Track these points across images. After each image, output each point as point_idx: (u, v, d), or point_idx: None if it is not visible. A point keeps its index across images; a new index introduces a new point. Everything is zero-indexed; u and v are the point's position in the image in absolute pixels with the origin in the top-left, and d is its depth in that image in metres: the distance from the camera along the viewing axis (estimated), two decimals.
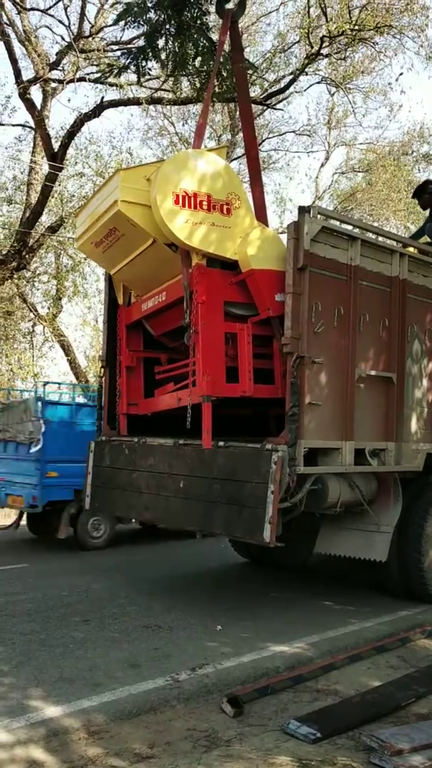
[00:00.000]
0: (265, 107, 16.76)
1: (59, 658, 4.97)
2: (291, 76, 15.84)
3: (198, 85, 8.32)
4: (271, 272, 5.90)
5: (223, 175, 5.96)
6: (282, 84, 16.20)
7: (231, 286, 6.05)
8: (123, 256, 6.52)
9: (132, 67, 7.39)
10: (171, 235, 5.74)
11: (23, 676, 4.59)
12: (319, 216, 5.64)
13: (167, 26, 7.01)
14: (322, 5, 13.63)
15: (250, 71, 14.22)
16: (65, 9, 14.12)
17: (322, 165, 27.33)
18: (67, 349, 18.05)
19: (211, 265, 5.96)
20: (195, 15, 7.07)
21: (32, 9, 13.85)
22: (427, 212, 8.17)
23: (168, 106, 17.77)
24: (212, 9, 7.43)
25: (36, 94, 14.14)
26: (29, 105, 13.66)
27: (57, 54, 14.13)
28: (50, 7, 14.08)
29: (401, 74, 24.76)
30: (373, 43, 14.73)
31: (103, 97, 14.15)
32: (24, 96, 13.37)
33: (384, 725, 4.01)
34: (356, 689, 4.56)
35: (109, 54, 13.80)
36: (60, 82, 14.20)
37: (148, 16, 7.09)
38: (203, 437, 5.82)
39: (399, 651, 5.40)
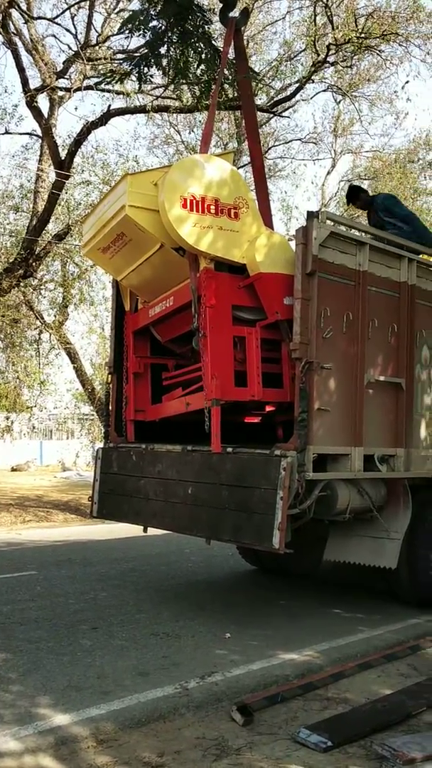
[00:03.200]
0: (272, 115, 16.79)
1: (67, 665, 4.95)
2: (297, 84, 15.86)
3: (198, 93, 8.33)
4: (279, 276, 5.89)
5: (230, 180, 5.96)
6: (288, 92, 16.22)
7: (239, 290, 6.04)
8: (130, 261, 6.52)
9: (134, 73, 7.41)
10: (179, 239, 5.74)
11: (31, 684, 4.57)
12: (327, 221, 5.64)
13: (170, 34, 7.02)
14: (329, 13, 13.66)
15: (254, 80, 14.37)
16: (72, 18, 14.12)
17: (329, 173, 27.30)
18: (73, 356, 18.04)
19: (219, 269, 5.95)
20: (198, 23, 7.09)
21: (39, 18, 13.92)
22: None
23: (174, 115, 17.82)
24: (215, 18, 7.47)
25: (43, 102, 14.21)
26: (36, 113, 13.71)
27: (64, 63, 14.17)
28: (57, 16, 14.07)
29: (407, 82, 24.78)
30: (379, 51, 14.76)
31: (109, 105, 14.18)
32: (31, 104, 13.42)
33: (395, 734, 3.98)
34: (366, 697, 4.52)
35: (115, 62, 13.86)
36: (67, 90, 14.24)
37: (151, 24, 7.12)
38: (212, 441, 5.79)
39: (409, 659, 5.35)
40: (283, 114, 16.84)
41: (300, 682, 4.73)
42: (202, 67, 7.43)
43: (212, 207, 5.79)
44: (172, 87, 11.68)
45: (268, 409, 6.73)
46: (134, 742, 3.83)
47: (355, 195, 7.96)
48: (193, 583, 8.02)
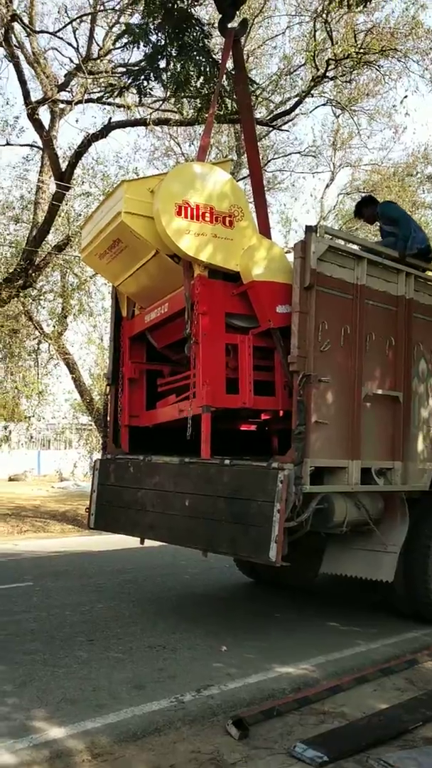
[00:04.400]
0: (271, 128, 16.91)
1: (63, 678, 4.93)
2: (297, 98, 16.01)
3: (199, 105, 8.40)
4: (272, 284, 5.92)
5: (226, 188, 6.00)
6: (288, 106, 16.37)
7: (232, 298, 6.07)
8: (126, 267, 6.57)
9: (134, 87, 7.48)
10: (173, 246, 5.77)
11: (27, 697, 4.55)
12: (325, 235, 5.67)
13: (169, 48, 7.10)
14: (328, 29, 13.80)
15: (254, 93, 14.47)
16: (74, 31, 14.25)
17: (327, 186, 27.44)
18: (72, 366, 18.10)
19: (213, 276, 5.98)
20: (197, 36, 7.16)
21: (42, 32, 14.06)
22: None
23: (174, 127, 17.94)
24: (215, 31, 7.55)
25: (44, 114, 14.33)
26: (37, 125, 13.83)
27: (65, 76, 14.30)
28: (59, 30, 14.17)
29: (406, 96, 24.87)
30: (378, 66, 14.90)
31: (110, 118, 14.31)
32: (32, 117, 13.53)
33: (391, 749, 3.97)
34: (363, 712, 4.50)
35: (116, 75, 13.96)
36: (68, 103, 14.37)
37: (149, 38, 7.19)
38: (202, 448, 5.83)
39: (406, 673, 5.33)
40: (282, 128, 16.96)
41: (296, 696, 4.71)
42: (201, 79, 7.48)
43: (207, 215, 5.82)
44: (172, 100, 11.77)
45: (264, 417, 6.75)
46: (129, 755, 3.82)
47: (359, 211, 7.97)
48: (189, 596, 8.00)
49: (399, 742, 4.09)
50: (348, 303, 5.85)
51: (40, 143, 14.56)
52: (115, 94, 9.16)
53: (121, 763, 3.72)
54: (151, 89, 7.77)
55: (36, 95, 13.95)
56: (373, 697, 4.80)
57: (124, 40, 7.17)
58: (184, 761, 3.76)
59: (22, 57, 13.49)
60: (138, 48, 7.15)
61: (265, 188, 20.89)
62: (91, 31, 13.98)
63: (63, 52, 16.31)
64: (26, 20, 13.51)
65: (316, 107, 17.60)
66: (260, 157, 8.38)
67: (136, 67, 7.98)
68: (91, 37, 13.99)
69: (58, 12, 14.98)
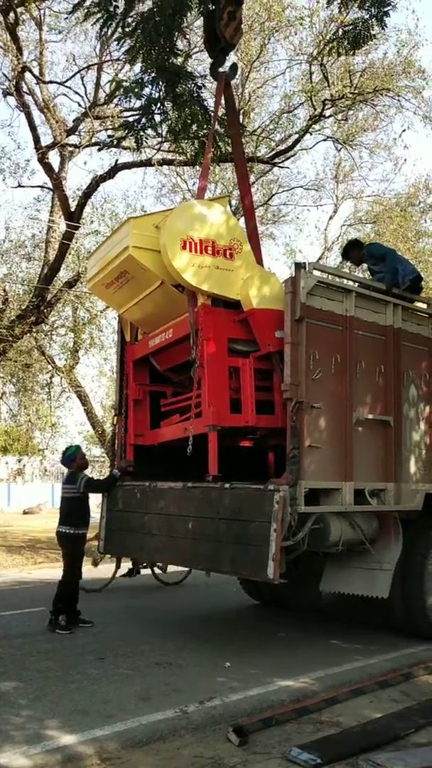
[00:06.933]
0: (272, 166, 17.44)
1: (74, 692, 5.21)
2: (297, 135, 16.54)
3: (196, 149, 8.90)
4: (271, 311, 6.34)
5: (226, 223, 6.48)
6: (289, 143, 16.89)
7: (234, 324, 6.50)
8: (131, 296, 7.04)
9: (131, 136, 7.97)
10: (179, 278, 6.21)
11: (40, 709, 4.84)
12: (314, 271, 6.06)
13: (163, 100, 7.57)
14: (324, 71, 14.37)
15: (254, 133, 15.02)
16: (81, 78, 14.93)
17: (331, 217, 27.83)
18: (83, 399, 18.44)
19: (216, 304, 6.43)
20: (191, 87, 7.65)
21: (51, 82, 14.73)
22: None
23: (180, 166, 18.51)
24: (207, 82, 8.06)
25: (54, 157, 14.94)
26: (47, 168, 14.41)
27: (74, 121, 14.96)
28: (68, 80, 14.91)
29: (404, 131, 25.59)
30: (373, 103, 15.43)
31: (117, 160, 14.90)
32: (42, 160, 14.12)
33: (383, 753, 4.19)
34: (358, 721, 4.72)
35: (122, 119, 14.54)
36: (76, 146, 14.99)
37: (142, 91, 7.69)
38: (209, 465, 6.18)
39: (402, 686, 5.54)
40: (285, 164, 17.48)
41: (294, 706, 4.94)
42: (195, 127, 7.95)
43: (209, 248, 6.28)
44: (173, 143, 12.32)
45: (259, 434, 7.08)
46: (135, 760, 4.09)
47: (346, 254, 8.31)
48: (196, 617, 8.25)
49: (391, 747, 4.30)
50: (338, 333, 6.21)
51: (50, 185, 15.14)
52: (114, 144, 9.70)
53: (128, 766, 4.00)
54: (147, 138, 8.25)
55: (46, 139, 14.61)
56: (369, 708, 5.02)
57: (117, 95, 7.67)
58: (187, 765, 4.02)
59: (32, 103, 14.17)
60: (129, 101, 7.61)
61: (270, 221, 21.41)
62: (98, 78, 14.68)
63: (71, 98, 16.98)
64: (36, 70, 14.20)
65: (316, 143, 18.11)
66: (253, 191, 8.81)
67: (132, 118, 8.46)
68: (97, 84, 14.67)
69: (67, 60, 15.52)
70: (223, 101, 7.47)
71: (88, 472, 7.77)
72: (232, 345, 6.50)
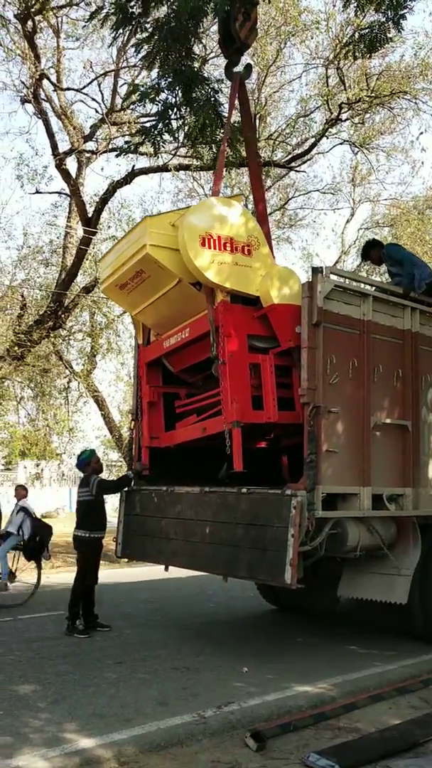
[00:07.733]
0: (289, 170, 17.42)
1: (92, 696, 5.24)
2: (313, 139, 16.51)
3: (214, 153, 8.92)
4: (290, 307, 6.28)
5: (244, 220, 6.44)
6: (306, 146, 16.87)
7: (253, 321, 6.45)
8: (146, 296, 7.00)
9: (148, 141, 7.98)
10: (198, 275, 6.18)
11: (58, 713, 4.87)
12: (331, 276, 6.05)
13: (180, 105, 7.59)
14: (340, 74, 14.35)
15: (271, 137, 15.03)
16: (99, 85, 15.01)
17: (348, 221, 27.89)
18: (101, 404, 18.50)
19: (234, 301, 6.39)
20: (207, 93, 7.66)
21: (68, 89, 14.83)
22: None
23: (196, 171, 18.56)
24: (223, 86, 8.06)
25: (71, 164, 15.03)
26: (65, 174, 14.50)
27: (91, 127, 15.04)
28: (85, 87, 14.98)
29: (421, 133, 25.54)
30: (390, 107, 15.37)
31: (134, 166, 14.95)
32: (60, 166, 14.22)
33: (402, 760, 4.17)
34: (377, 727, 4.70)
35: (139, 124, 14.62)
36: (93, 153, 15.07)
37: (158, 96, 7.71)
38: (234, 461, 6.11)
39: (421, 692, 5.51)
40: (299, 169, 17.43)
41: (312, 711, 4.94)
42: (210, 129, 7.96)
43: (228, 245, 6.25)
44: (189, 148, 12.35)
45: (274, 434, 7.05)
46: (153, 764, 4.10)
47: (366, 253, 8.33)
48: (214, 622, 8.25)
49: (410, 754, 4.28)
50: (355, 338, 6.19)
51: (67, 191, 15.22)
52: (131, 150, 9.73)
53: None
54: (164, 143, 8.25)
55: (63, 146, 14.70)
56: (387, 714, 5.00)
57: (134, 98, 7.70)
58: None
59: (50, 110, 14.28)
60: (144, 107, 7.63)
61: (287, 225, 21.36)
62: (115, 84, 14.73)
63: (89, 104, 17.01)
64: (54, 77, 14.32)
65: (333, 146, 18.12)
66: (270, 195, 8.82)
67: (149, 124, 8.49)
68: (114, 90, 14.72)
69: (84, 67, 15.58)
70: (237, 103, 7.49)
71: (104, 476, 7.79)
72: (251, 342, 6.45)
